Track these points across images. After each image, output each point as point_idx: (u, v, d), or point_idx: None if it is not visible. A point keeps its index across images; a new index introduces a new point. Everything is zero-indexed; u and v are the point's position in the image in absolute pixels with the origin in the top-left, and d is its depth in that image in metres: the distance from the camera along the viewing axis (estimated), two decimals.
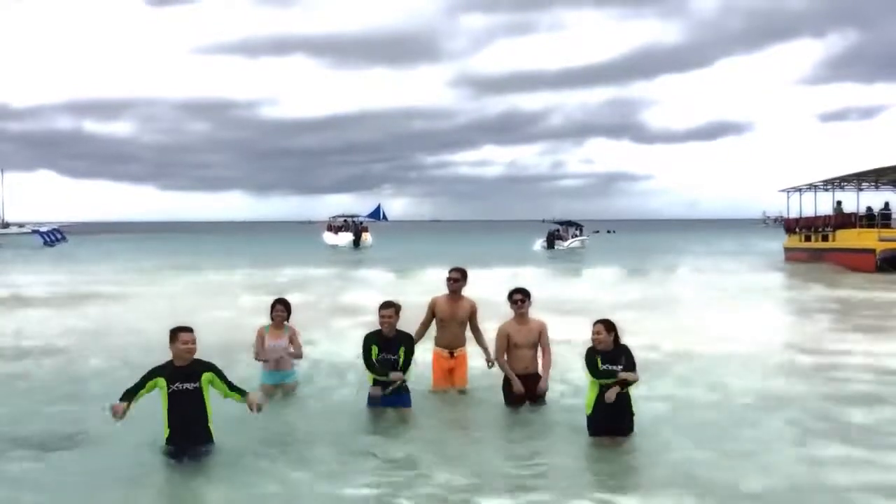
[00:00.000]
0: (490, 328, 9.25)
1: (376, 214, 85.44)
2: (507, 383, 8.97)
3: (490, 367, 9.42)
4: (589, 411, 7.69)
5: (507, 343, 8.91)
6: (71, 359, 12.33)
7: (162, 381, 7.06)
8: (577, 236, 59.41)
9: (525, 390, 8.83)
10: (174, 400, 7.05)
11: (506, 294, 9.06)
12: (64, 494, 6.44)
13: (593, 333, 7.69)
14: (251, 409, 7.12)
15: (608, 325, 7.69)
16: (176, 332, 7.15)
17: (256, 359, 9.55)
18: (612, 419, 7.58)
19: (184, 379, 7.06)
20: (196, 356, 7.18)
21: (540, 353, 8.95)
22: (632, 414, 7.71)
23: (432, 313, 9.55)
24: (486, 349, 9.49)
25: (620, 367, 7.54)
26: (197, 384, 7.09)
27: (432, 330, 9.54)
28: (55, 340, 14.11)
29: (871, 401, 9.43)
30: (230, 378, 7.29)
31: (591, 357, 7.65)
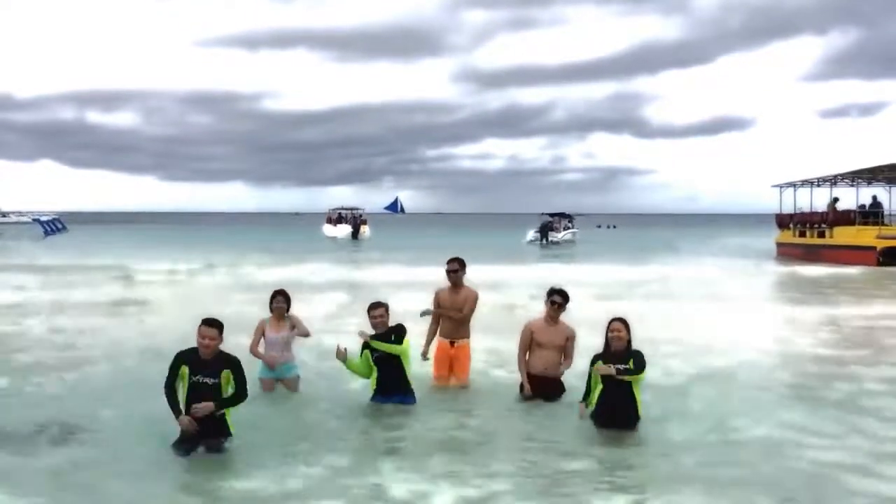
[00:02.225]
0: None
1: (394, 207, 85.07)
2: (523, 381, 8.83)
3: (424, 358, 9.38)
4: (592, 407, 7.67)
5: (529, 340, 8.70)
6: (81, 352, 12.29)
7: (185, 370, 6.97)
8: (568, 228, 59.50)
9: (541, 391, 8.62)
10: (193, 391, 6.95)
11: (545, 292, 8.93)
12: (74, 487, 6.38)
13: (611, 331, 7.55)
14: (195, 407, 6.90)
15: (626, 324, 7.60)
16: (201, 324, 7.03)
17: (251, 352, 9.24)
18: (615, 414, 7.49)
19: (205, 372, 6.95)
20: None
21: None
22: (637, 412, 7.57)
23: (438, 305, 9.49)
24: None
25: (625, 368, 7.41)
26: (217, 380, 6.96)
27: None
28: (63, 334, 14.12)
29: (881, 400, 9.44)
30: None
31: (594, 362, 7.60)
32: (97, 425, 7.98)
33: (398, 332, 8.46)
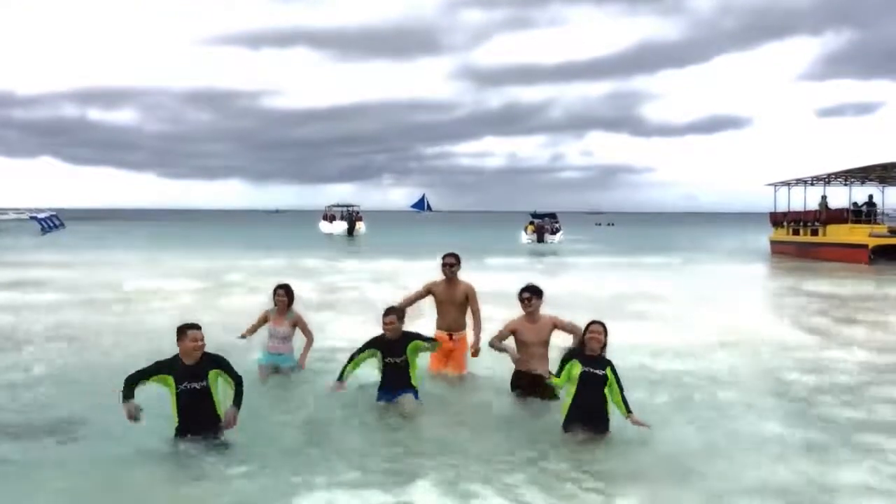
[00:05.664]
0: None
1: (420, 205, 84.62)
2: (514, 377, 8.75)
3: (474, 355, 9.36)
4: (564, 413, 7.53)
5: (510, 334, 8.65)
6: (80, 347, 12.40)
7: (170, 380, 7.03)
8: (557, 231, 59.90)
9: (534, 387, 8.41)
10: (183, 399, 7.04)
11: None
12: (69, 484, 6.46)
13: (589, 332, 7.53)
14: (223, 423, 7.13)
15: (605, 328, 7.58)
16: (184, 330, 7.10)
17: (242, 336, 9.93)
18: (589, 417, 7.41)
19: (191, 378, 7.04)
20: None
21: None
22: (607, 418, 7.48)
23: (427, 292, 9.66)
24: (476, 335, 9.38)
25: (602, 373, 7.39)
26: (205, 382, 7.07)
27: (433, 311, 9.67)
28: (62, 330, 14.17)
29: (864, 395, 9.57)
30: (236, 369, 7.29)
31: (568, 359, 7.54)
32: (91, 420, 8.07)
33: (413, 337, 8.41)
